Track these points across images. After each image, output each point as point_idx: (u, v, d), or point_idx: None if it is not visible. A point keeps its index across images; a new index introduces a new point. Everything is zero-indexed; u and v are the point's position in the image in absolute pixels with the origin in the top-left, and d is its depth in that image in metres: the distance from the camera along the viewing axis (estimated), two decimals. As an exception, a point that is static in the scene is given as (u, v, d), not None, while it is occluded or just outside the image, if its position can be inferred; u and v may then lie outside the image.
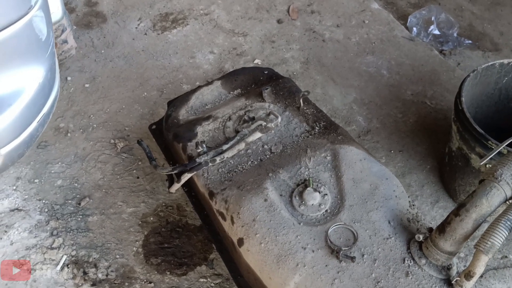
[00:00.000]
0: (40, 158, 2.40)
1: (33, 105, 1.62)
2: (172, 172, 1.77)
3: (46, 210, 2.20)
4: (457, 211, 1.31)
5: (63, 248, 2.08)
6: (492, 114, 2.22)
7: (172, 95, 2.55)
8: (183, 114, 1.97)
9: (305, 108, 1.89)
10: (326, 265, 1.41)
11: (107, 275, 2.00)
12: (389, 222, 1.50)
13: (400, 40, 3.02)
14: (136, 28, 3.10)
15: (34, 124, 1.65)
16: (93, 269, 2.02)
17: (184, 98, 2.05)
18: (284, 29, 3.11)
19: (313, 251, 1.44)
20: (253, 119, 1.81)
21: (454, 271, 1.36)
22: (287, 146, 1.77)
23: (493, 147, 1.76)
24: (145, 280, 1.99)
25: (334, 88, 2.75)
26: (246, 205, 1.56)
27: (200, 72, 2.84)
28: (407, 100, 2.68)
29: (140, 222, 2.17)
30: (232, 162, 1.74)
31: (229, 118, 1.88)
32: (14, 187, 2.27)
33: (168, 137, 1.96)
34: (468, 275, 1.26)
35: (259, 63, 2.89)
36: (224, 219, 1.63)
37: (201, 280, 1.99)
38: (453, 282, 1.33)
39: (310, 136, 1.79)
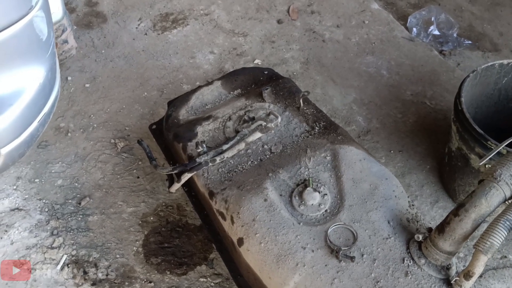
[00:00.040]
0: (41, 158, 2.40)
1: (33, 105, 1.62)
2: (172, 172, 1.78)
3: (46, 209, 2.20)
4: (456, 211, 1.32)
5: (63, 248, 2.08)
6: (492, 114, 2.22)
7: (172, 95, 2.55)
8: (183, 114, 1.98)
9: (305, 108, 1.89)
10: (326, 265, 1.42)
11: (107, 275, 2.01)
12: (388, 222, 1.50)
13: (400, 41, 3.03)
14: (136, 28, 3.11)
15: (34, 124, 1.66)
16: (93, 269, 2.02)
17: (184, 98, 2.05)
18: (284, 29, 3.11)
19: (312, 251, 1.44)
20: (253, 119, 1.82)
21: (453, 271, 1.36)
22: (287, 146, 1.77)
23: (492, 147, 1.77)
24: (145, 280, 1.99)
25: (334, 88, 2.75)
26: (246, 205, 1.56)
27: (200, 72, 2.85)
28: (407, 100, 2.68)
29: (140, 222, 2.18)
30: (232, 162, 1.74)
31: (229, 118, 1.88)
32: (15, 187, 2.28)
33: (168, 137, 1.96)
34: (467, 275, 1.27)
35: (259, 63, 2.89)
36: (224, 219, 1.63)
37: (201, 279, 2.00)
38: (452, 282, 1.34)
39: (310, 136, 1.79)
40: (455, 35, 3.06)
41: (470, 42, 3.06)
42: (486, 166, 1.83)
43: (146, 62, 2.90)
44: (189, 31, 3.09)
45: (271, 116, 1.79)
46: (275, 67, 2.80)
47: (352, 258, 1.40)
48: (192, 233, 2.14)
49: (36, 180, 2.31)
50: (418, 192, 2.27)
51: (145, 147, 1.89)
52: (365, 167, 1.64)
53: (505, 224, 1.21)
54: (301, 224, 1.51)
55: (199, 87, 2.10)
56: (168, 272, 2.01)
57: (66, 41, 2.71)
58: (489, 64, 2.06)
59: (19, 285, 1.97)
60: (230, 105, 1.94)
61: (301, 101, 1.88)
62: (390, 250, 1.43)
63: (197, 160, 1.71)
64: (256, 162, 1.73)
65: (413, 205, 1.58)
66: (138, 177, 2.34)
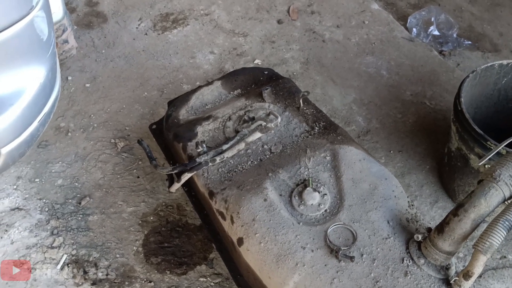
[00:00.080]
0: (41, 158, 2.40)
1: (34, 105, 1.63)
2: (172, 172, 1.78)
3: (46, 209, 2.21)
4: (456, 211, 1.32)
5: (64, 247, 2.08)
6: (491, 114, 2.22)
7: (172, 95, 2.55)
8: (183, 114, 1.98)
9: (304, 108, 1.89)
10: (325, 265, 1.42)
11: (107, 274, 2.01)
12: (388, 222, 1.51)
13: (400, 41, 3.03)
14: (136, 28, 3.11)
15: (35, 124, 1.66)
16: (93, 268, 2.02)
17: (184, 98, 2.05)
18: (284, 29, 3.11)
19: (312, 251, 1.45)
20: (253, 119, 1.82)
21: (452, 271, 1.36)
22: (286, 146, 1.77)
23: (492, 148, 1.77)
24: (145, 279, 2.00)
25: (334, 88, 2.75)
26: (245, 205, 1.57)
27: (201, 72, 2.85)
28: (407, 101, 2.69)
29: (140, 222, 2.18)
30: (232, 162, 1.74)
31: (229, 118, 1.88)
32: (15, 186, 2.28)
33: (168, 137, 1.97)
34: (466, 275, 1.27)
35: (259, 63, 2.89)
36: (224, 218, 1.64)
37: (201, 279, 2.00)
38: (451, 282, 1.34)
39: (309, 136, 1.80)
40: (455, 35, 3.06)
41: (470, 42, 3.06)
42: (486, 166, 1.84)
43: (146, 62, 2.90)
44: (189, 31, 3.09)
45: (271, 116, 1.79)
46: (275, 67, 2.80)
47: (351, 258, 1.40)
48: (192, 232, 2.14)
49: (36, 180, 2.31)
50: (418, 192, 2.27)
51: (145, 147, 1.90)
52: (364, 167, 1.65)
53: (504, 224, 1.22)
54: (301, 224, 1.51)
55: (199, 87, 2.10)
56: (168, 272, 2.02)
57: (66, 41, 2.72)
58: (489, 64, 2.06)
59: (19, 284, 1.98)
60: (230, 105, 1.94)
61: (301, 101, 1.88)
62: (390, 250, 1.44)
63: (197, 160, 1.71)
64: (256, 162, 1.73)
65: (412, 205, 1.59)
66: (138, 177, 2.34)
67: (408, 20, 3.14)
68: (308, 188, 1.57)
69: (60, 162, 2.39)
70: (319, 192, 1.57)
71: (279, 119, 1.79)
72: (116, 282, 1.99)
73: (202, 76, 2.83)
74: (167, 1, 3.28)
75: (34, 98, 1.60)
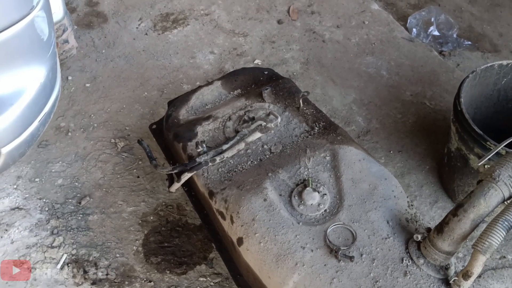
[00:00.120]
0: (41, 157, 2.41)
1: (34, 105, 1.63)
2: (172, 172, 1.78)
3: (46, 209, 2.21)
4: (455, 211, 1.32)
5: (64, 247, 2.08)
6: (491, 115, 2.22)
7: (172, 95, 2.56)
8: (183, 114, 1.98)
9: (304, 108, 1.90)
10: (325, 265, 1.42)
11: (107, 274, 2.01)
12: (387, 222, 1.51)
13: (400, 41, 3.03)
14: (136, 28, 3.11)
15: (35, 124, 1.66)
16: (93, 268, 2.03)
17: (184, 98, 2.06)
18: (284, 29, 3.12)
19: (312, 251, 1.45)
20: (253, 119, 1.82)
21: (452, 271, 1.36)
22: (286, 146, 1.77)
23: (491, 148, 1.77)
24: (145, 279, 2.00)
25: (334, 88, 2.76)
26: (245, 205, 1.57)
27: (201, 72, 2.85)
28: (407, 101, 2.69)
29: (140, 221, 2.18)
30: (232, 162, 1.75)
31: (229, 118, 1.89)
32: (15, 186, 2.28)
33: (168, 137, 1.97)
34: (466, 275, 1.27)
35: (259, 63, 2.89)
36: (224, 218, 1.64)
37: (201, 279, 2.00)
38: (451, 281, 1.34)
39: (309, 136, 1.80)
40: (454, 35, 3.07)
41: (469, 42, 3.06)
42: (485, 166, 1.84)
43: (147, 62, 2.90)
44: (190, 31, 3.10)
45: (271, 116, 1.79)
46: (275, 67, 2.81)
47: (351, 258, 1.40)
48: (192, 232, 2.15)
49: (36, 180, 2.32)
50: (418, 192, 2.27)
51: (145, 146, 1.90)
52: (364, 167, 1.65)
53: (504, 224, 1.22)
54: (301, 224, 1.51)
55: (199, 87, 2.10)
56: (168, 272, 2.02)
57: (66, 41, 2.72)
58: (489, 65, 2.06)
59: (19, 284, 1.98)
60: (230, 105, 1.94)
61: (300, 101, 1.88)
62: (389, 250, 1.44)
63: (197, 160, 1.72)
64: (255, 162, 1.74)
65: (412, 205, 1.59)
66: (138, 177, 2.34)
67: (408, 21, 3.15)
68: (307, 188, 1.58)
69: (60, 162, 2.39)
70: (318, 192, 1.58)
71: (279, 119, 1.80)
72: (116, 282, 1.99)
73: (202, 76, 2.83)
74: (167, 1, 3.28)
75: (34, 98, 1.61)
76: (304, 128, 1.83)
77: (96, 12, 3.22)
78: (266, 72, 2.14)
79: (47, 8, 1.62)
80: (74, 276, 2.00)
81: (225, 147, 1.75)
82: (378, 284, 1.38)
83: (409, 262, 1.41)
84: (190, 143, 1.84)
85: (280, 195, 1.60)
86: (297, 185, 1.62)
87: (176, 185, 1.81)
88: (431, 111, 2.64)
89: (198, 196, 1.90)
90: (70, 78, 2.79)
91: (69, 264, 2.03)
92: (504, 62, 2.08)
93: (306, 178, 1.63)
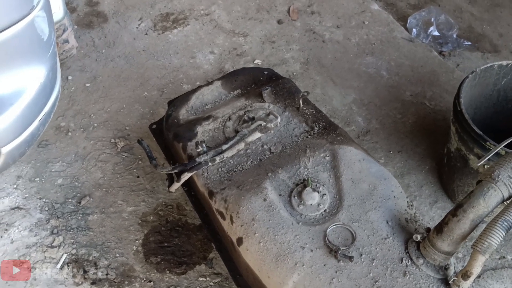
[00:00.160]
0: (41, 157, 2.41)
1: (34, 105, 1.63)
2: (172, 172, 1.78)
3: (46, 208, 2.21)
4: (455, 211, 1.32)
5: (63, 247, 2.09)
6: (491, 115, 2.23)
7: (172, 95, 2.56)
8: (183, 114, 1.98)
9: (304, 108, 1.90)
10: (325, 265, 1.42)
11: (107, 274, 2.01)
12: (387, 222, 1.51)
13: (400, 41, 3.03)
14: (137, 28, 3.11)
15: (35, 123, 1.66)
16: (93, 268, 2.03)
17: (184, 98, 2.06)
18: (284, 29, 3.12)
19: (311, 251, 1.45)
20: (252, 119, 1.83)
21: (451, 271, 1.37)
22: (286, 146, 1.78)
23: (491, 148, 1.77)
24: (144, 279, 2.00)
25: (334, 88, 2.76)
26: (245, 205, 1.57)
27: (201, 72, 2.86)
28: (406, 101, 2.69)
29: (140, 221, 2.18)
30: (232, 162, 1.75)
31: (229, 118, 1.89)
32: (15, 186, 2.29)
33: (168, 137, 1.97)
34: (465, 275, 1.28)
35: (259, 63, 2.90)
36: (224, 218, 1.64)
37: (200, 279, 2.00)
38: (450, 282, 1.34)
39: (309, 136, 1.80)
40: (454, 36, 3.07)
41: (469, 43, 3.06)
42: (485, 166, 1.84)
43: (147, 62, 2.91)
44: (190, 31, 3.10)
45: (271, 116, 1.79)
46: (275, 67, 2.81)
47: (350, 258, 1.40)
48: (191, 232, 2.15)
49: (36, 179, 2.32)
50: (417, 193, 2.27)
51: (145, 146, 1.90)
52: (364, 167, 1.65)
53: (503, 225, 1.22)
54: (300, 224, 1.51)
55: (199, 87, 2.10)
56: (168, 271, 2.02)
57: (67, 41, 2.72)
58: (488, 65, 2.06)
59: (19, 283, 1.98)
60: (230, 105, 1.94)
61: (300, 101, 1.89)
62: (389, 250, 1.44)
63: (197, 159, 1.72)
64: (255, 162, 1.74)
65: (411, 205, 1.59)
66: (138, 177, 2.34)
67: (408, 21, 3.15)
68: (307, 188, 1.58)
69: (60, 162, 2.39)
70: (318, 192, 1.58)
71: (279, 119, 1.80)
72: (115, 282, 1.99)
73: (202, 76, 2.83)
74: (168, 1, 3.28)
75: (34, 98, 1.61)
76: (304, 128, 1.84)
77: (96, 12, 3.22)
78: (266, 72, 2.14)
79: (47, 8, 1.62)
80: (74, 276, 2.00)
81: (225, 147, 1.75)
82: (378, 284, 1.38)
83: (408, 262, 1.41)
84: (190, 143, 1.84)
85: (280, 195, 1.60)
86: (297, 185, 1.62)
87: (176, 185, 1.82)
88: (431, 111, 2.64)
89: (198, 196, 1.90)
90: (70, 77, 2.80)
91: (69, 264, 2.03)
92: (504, 63, 2.08)
93: (306, 178, 1.63)
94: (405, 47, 2.99)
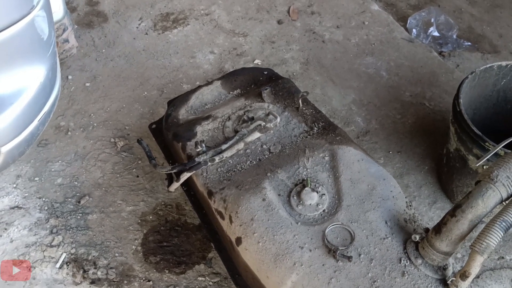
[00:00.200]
0: (41, 157, 2.41)
1: (34, 104, 1.63)
2: (172, 171, 1.79)
3: (46, 208, 2.21)
4: (453, 211, 1.32)
5: (63, 246, 2.09)
6: (490, 116, 2.23)
7: (172, 94, 2.56)
8: (183, 113, 1.99)
9: (304, 108, 1.90)
10: (323, 265, 1.42)
11: (106, 273, 2.01)
12: (386, 222, 1.51)
13: (400, 42, 3.03)
14: (137, 27, 3.12)
15: (35, 123, 1.66)
16: (92, 267, 2.03)
17: (184, 97, 2.06)
18: (284, 29, 3.12)
19: (310, 251, 1.45)
20: (252, 119, 1.83)
21: (450, 271, 1.37)
22: (285, 146, 1.78)
23: (490, 149, 1.77)
24: (144, 278, 2.00)
25: (333, 89, 2.76)
26: (244, 205, 1.57)
27: (200, 72, 2.86)
28: (406, 101, 2.69)
29: (139, 221, 2.19)
30: (231, 162, 1.75)
31: (229, 118, 1.89)
32: (15, 185, 2.29)
33: (167, 137, 1.97)
34: (463, 275, 1.28)
35: (259, 63, 2.90)
36: (223, 218, 1.64)
37: (200, 278, 2.00)
38: (448, 282, 1.35)
39: (308, 137, 1.80)
40: (454, 36, 3.07)
41: (469, 43, 3.07)
42: (484, 167, 1.84)
43: (147, 62, 2.91)
44: (190, 31, 3.10)
45: (270, 116, 1.80)
46: (275, 67, 2.81)
47: (349, 258, 1.40)
48: (191, 232, 2.15)
49: (36, 179, 2.32)
50: (417, 193, 2.28)
51: (144, 146, 1.90)
52: (363, 168, 1.65)
53: (502, 225, 1.22)
54: (299, 223, 1.52)
55: (199, 86, 2.11)
56: (167, 271, 2.02)
57: (67, 40, 2.73)
58: (488, 65, 2.06)
59: (18, 283, 1.98)
60: (230, 105, 1.94)
61: (300, 101, 1.89)
62: (387, 250, 1.44)
63: (196, 159, 1.72)
64: (255, 162, 1.74)
65: (410, 205, 1.59)
66: (137, 176, 2.35)
67: (408, 21, 3.15)
68: (306, 188, 1.58)
69: (59, 161, 2.40)
70: (317, 192, 1.58)
71: (278, 119, 1.80)
72: (115, 281, 1.99)
73: (202, 76, 2.83)
74: (168, 1, 3.28)
75: (34, 97, 1.61)
76: (303, 128, 1.84)
77: (97, 11, 3.22)
78: (265, 72, 2.14)
79: (47, 8, 1.63)
80: (73, 275, 2.00)
81: (224, 147, 1.75)
82: (376, 284, 1.38)
83: (407, 262, 1.41)
84: (190, 142, 1.84)
85: (279, 195, 1.60)
86: (296, 185, 1.62)
87: (175, 185, 1.82)
88: (430, 111, 2.64)
89: (197, 196, 1.91)
90: (70, 77, 2.80)
91: (68, 263, 2.04)
92: (504, 63, 2.08)
93: (305, 178, 1.63)
94: (405, 48, 2.99)
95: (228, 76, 2.15)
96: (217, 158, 1.71)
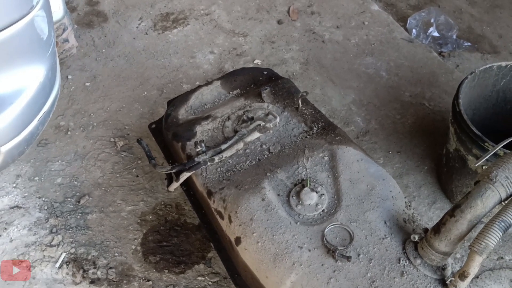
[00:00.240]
0: (40, 156, 2.41)
1: (34, 104, 1.63)
2: (171, 171, 1.79)
3: (45, 207, 2.21)
4: (452, 212, 1.33)
5: (62, 246, 2.09)
6: (490, 116, 2.23)
7: (172, 94, 2.56)
8: (183, 113, 1.99)
9: (303, 108, 1.90)
10: (322, 264, 1.43)
11: (105, 273, 2.01)
12: (385, 223, 1.51)
13: (400, 42, 3.03)
14: (137, 27, 3.12)
15: (34, 123, 1.66)
16: (92, 267, 2.03)
17: (183, 97, 2.06)
18: (284, 29, 3.12)
19: (309, 251, 1.45)
20: (252, 119, 1.83)
21: (448, 271, 1.37)
22: (285, 146, 1.78)
23: (489, 149, 1.77)
24: (143, 278, 2.00)
25: (333, 89, 2.76)
26: (243, 204, 1.57)
27: (200, 72, 2.86)
28: (406, 102, 2.69)
29: (139, 221, 2.19)
30: (231, 162, 1.75)
31: (228, 118, 1.89)
32: (14, 185, 2.29)
33: (167, 136, 1.97)
34: (462, 275, 1.28)
35: (259, 63, 2.90)
36: (222, 218, 1.64)
37: (199, 278, 2.01)
38: (447, 282, 1.35)
39: (308, 137, 1.80)
40: (454, 36, 3.07)
41: (469, 44, 3.07)
42: (483, 167, 1.85)
43: (146, 62, 2.91)
44: (190, 31, 3.10)
45: (270, 116, 1.80)
46: (274, 67, 2.81)
47: (348, 258, 1.41)
48: (190, 232, 2.15)
49: (35, 178, 2.32)
50: (416, 193, 2.28)
51: (144, 146, 1.90)
52: (362, 168, 1.65)
53: (500, 225, 1.22)
54: (298, 223, 1.52)
55: (199, 86, 2.11)
56: (166, 271, 2.02)
57: (66, 40, 2.73)
58: (488, 66, 2.06)
59: (18, 282, 1.98)
60: (229, 105, 1.95)
61: (299, 101, 1.89)
62: (386, 250, 1.44)
63: (196, 159, 1.72)
64: (254, 162, 1.74)
65: (409, 205, 1.59)
66: (137, 176, 2.35)
67: (408, 21, 3.15)
68: (306, 188, 1.58)
69: (59, 161, 2.40)
70: (316, 192, 1.58)
71: (278, 119, 1.80)
72: (114, 281, 1.99)
73: (202, 76, 2.83)
74: (168, 1, 3.29)
75: (34, 97, 1.61)
76: (302, 128, 1.84)
77: (96, 11, 3.22)
78: (265, 72, 2.15)
79: (47, 7, 1.63)
80: (72, 275, 2.00)
81: (224, 147, 1.75)
82: (375, 284, 1.38)
83: (406, 262, 1.42)
84: (189, 142, 1.84)
85: (278, 195, 1.60)
86: (295, 185, 1.62)
87: (175, 185, 1.82)
88: (430, 112, 2.64)
89: (196, 196, 1.91)
90: (70, 77, 2.80)
91: (68, 263, 2.04)
92: (503, 64, 2.08)
93: (304, 178, 1.63)
94: (405, 48, 3.00)
95: (227, 76, 2.15)
96: (216, 158, 1.71)
